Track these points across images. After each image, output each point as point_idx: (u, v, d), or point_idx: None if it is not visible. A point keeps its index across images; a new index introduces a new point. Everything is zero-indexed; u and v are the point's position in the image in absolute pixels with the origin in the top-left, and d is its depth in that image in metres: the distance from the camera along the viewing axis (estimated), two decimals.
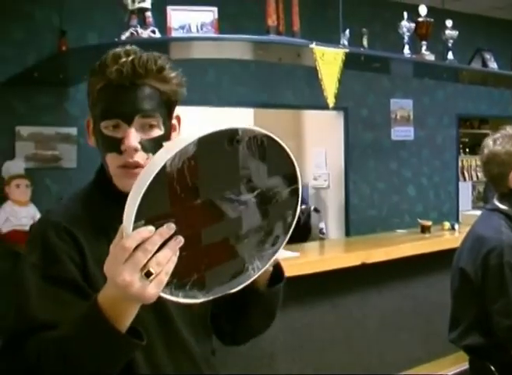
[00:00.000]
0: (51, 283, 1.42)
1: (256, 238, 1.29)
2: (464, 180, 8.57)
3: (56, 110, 5.37)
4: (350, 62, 4.27)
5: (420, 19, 4.81)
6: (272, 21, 3.73)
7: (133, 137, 1.45)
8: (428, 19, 4.83)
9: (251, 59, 4.97)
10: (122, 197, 1.25)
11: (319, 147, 7.31)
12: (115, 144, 1.47)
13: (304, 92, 6.26)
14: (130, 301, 1.21)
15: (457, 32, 5.10)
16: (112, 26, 4.38)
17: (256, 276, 1.32)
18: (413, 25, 4.74)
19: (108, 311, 1.23)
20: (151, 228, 1.14)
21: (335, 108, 6.32)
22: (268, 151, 1.29)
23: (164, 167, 1.11)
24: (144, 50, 1.51)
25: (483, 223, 2.79)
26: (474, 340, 2.65)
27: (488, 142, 2.73)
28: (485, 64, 5.50)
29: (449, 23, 5.13)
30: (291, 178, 1.35)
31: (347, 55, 4.00)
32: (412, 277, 4.61)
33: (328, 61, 3.79)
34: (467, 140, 8.74)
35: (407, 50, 4.62)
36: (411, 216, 7.05)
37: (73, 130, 5.43)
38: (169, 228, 1.15)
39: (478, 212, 3.12)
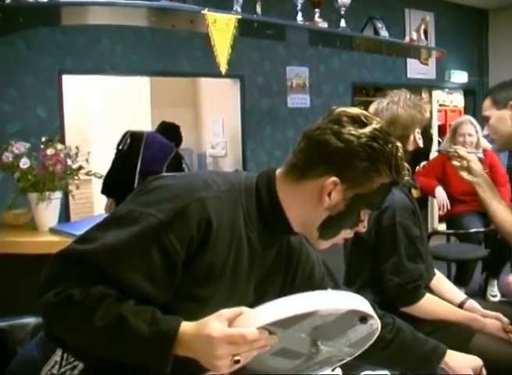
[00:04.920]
0: (163, 248, 1.46)
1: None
2: None
3: None
4: (244, 29, 4.25)
5: None
6: None
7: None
8: None
9: (145, 26, 4.89)
10: (272, 231, 1.66)
11: (216, 115, 7.30)
12: (357, 223, 1.69)
13: (200, 60, 6.21)
14: (200, 359, 1.39)
15: (350, 0, 5.15)
16: None
17: None
18: None
19: (178, 346, 1.39)
20: (266, 334, 1.36)
21: (231, 76, 6.36)
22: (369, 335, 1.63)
23: (320, 311, 1.39)
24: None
25: None
26: (367, 297, 2.71)
27: (391, 106, 2.77)
28: (376, 32, 5.57)
29: None
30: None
31: (240, 21, 3.98)
32: None
33: (221, 27, 3.77)
34: (362, 107, 8.87)
35: (300, 17, 4.63)
36: None
37: None
38: (273, 339, 1.38)
39: None
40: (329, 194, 1.59)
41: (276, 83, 7.09)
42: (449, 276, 5.76)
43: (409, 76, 8.63)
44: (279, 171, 1.69)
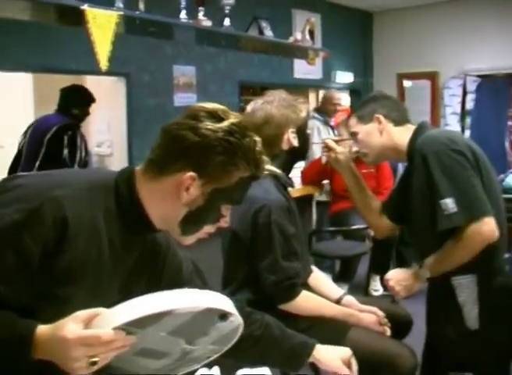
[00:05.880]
0: (16, 249, 1.42)
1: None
2: None
3: None
4: (127, 26, 4.20)
5: None
6: None
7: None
8: None
9: (27, 20, 4.75)
10: (137, 228, 1.65)
11: (102, 113, 7.16)
12: (218, 219, 1.70)
13: (84, 57, 6.06)
14: (57, 362, 1.36)
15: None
16: None
17: None
18: None
19: (35, 348, 1.36)
20: (123, 334, 1.34)
21: (116, 73, 6.26)
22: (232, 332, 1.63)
23: (176, 310, 1.37)
24: None
25: (253, 185, 2.87)
26: (244, 296, 2.74)
27: (265, 105, 2.81)
28: (261, 32, 5.62)
29: None
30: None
31: (122, 18, 3.92)
32: None
33: (102, 24, 3.69)
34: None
35: (183, 15, 4.60)
36: None
37: None
38: (131, 339, 1.36)
39: None
40: (187, 190, 1.60)
41: (163, 81, 7.04)
42: (333, 273, 5.90)
43: (296, 76, 8.74)
44: (138, 168, 1.68)
